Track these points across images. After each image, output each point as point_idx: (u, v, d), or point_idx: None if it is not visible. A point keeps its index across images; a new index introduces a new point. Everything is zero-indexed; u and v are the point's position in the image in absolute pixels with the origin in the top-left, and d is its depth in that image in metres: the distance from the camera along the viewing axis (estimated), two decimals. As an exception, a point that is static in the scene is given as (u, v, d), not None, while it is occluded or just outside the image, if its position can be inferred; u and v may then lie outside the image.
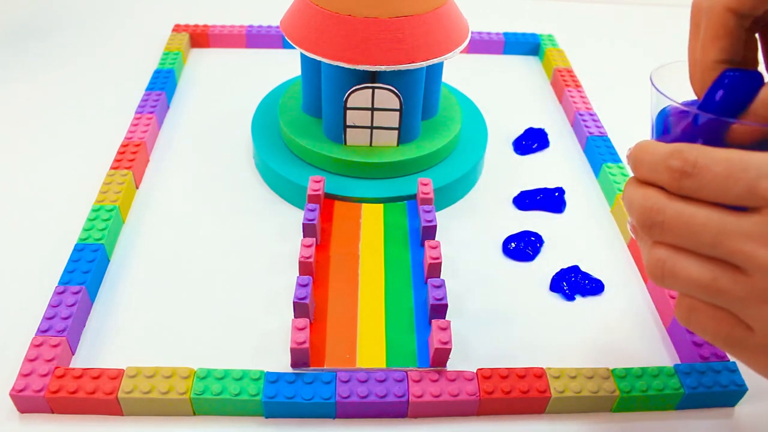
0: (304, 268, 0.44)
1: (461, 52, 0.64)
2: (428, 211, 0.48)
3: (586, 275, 0.49)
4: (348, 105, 0.51)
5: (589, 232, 0.54)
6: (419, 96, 0.52)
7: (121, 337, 0.43)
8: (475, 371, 0.40)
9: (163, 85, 0.65)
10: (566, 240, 0.53)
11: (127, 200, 0.53)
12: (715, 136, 0.28)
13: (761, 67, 0.31)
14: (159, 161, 0.59)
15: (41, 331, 0.40)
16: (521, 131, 0.65)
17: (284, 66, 0.71)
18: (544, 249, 0.51)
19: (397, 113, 0.51)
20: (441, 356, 0.40)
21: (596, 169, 0.59)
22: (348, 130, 0.53)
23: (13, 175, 0.56)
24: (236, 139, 0.61)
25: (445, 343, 0.39)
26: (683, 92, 0.31)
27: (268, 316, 0.45)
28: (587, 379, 0.40)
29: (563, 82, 0.70)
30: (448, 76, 0.69)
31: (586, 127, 0.63)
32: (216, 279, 0.47)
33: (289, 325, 0.44)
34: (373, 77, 0.50)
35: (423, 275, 0.46)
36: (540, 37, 0.79)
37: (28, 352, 0.39)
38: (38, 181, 0.55)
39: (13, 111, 0.64)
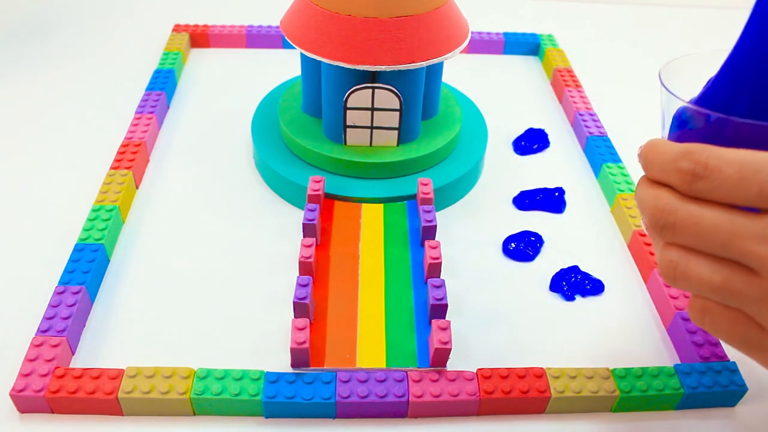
0: (304, 268, 0.44)
1: (461, 52, 0.64)
2: (428, 211, 0.48)
3: (586, 275, 0.49)
4: (348, 105, 0.51)
5: (589, 232, 0.54)
6: (419, 96, 0.52)
7: (120, 337, 0.43)
8: (475, 371, 0.40)
9: (163, 85, 0.65)
10: (566, 240, 0.52)
11: (127, 200, 0.53)
12: (723, 135, 0.27)
13: None
14: (159, 161, 0.59)
15: (41, 331, 0.40)
16: (521, 131, 0.64)
17: (284, 66, 0.71)
18: (544, 249, 0.51)
19: (397, 113, 0.51)
20: (441, 356, 0.40)
21: (596, 169, 0.59)
22: (348, 130, 0.53)
23: (14, 175, 0.56)
24: (236, 139, 0.61)
25: (445, 343, 0.39)
26: (693, 87, 0.30)
27: (268, 316, 0.45)
28: (587, 379, 0.40)
29: (563, 82, 0.70)
30: (448, 76, 0.69)
31: (586, 127, 0.63)
32: (216, 279, 0.47)
33: (289, 325, 0.44)
34: (373, 77, 0.50)
35: (423, 275, 0.46)
36: (540, 37, 0.79)
37: (28, 352, 0.39)
38: (38, 181, 0.55)
39: (13, 111, 0.64)
